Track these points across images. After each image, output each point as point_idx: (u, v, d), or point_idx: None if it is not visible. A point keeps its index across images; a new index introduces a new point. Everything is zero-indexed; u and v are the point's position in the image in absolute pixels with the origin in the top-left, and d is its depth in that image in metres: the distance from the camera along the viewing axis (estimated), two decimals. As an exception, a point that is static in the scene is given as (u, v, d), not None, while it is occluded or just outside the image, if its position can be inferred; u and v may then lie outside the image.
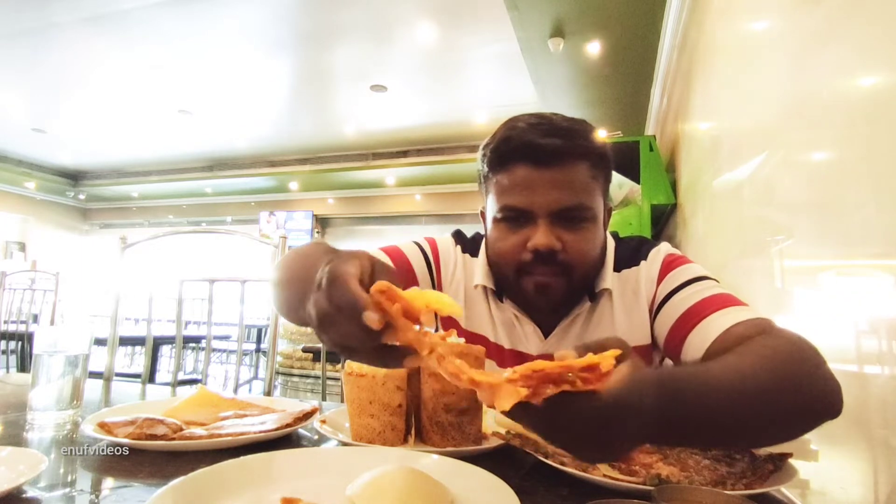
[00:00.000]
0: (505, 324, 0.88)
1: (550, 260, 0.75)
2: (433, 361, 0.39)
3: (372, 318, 0.39)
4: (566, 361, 0.38)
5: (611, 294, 0.84)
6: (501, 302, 0.87)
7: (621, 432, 0.40)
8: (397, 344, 0.41)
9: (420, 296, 0.40)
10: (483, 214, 0.88)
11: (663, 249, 0.86)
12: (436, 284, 0.91)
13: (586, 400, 0.38)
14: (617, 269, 0.86)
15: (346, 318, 0.40)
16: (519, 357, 0.87)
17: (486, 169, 0.82)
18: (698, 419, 0.45)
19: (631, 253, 0.87)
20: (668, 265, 0.82)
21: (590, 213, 0.77)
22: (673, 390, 0.44)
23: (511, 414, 0.38)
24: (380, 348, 0.41)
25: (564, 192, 0.75)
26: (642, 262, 0.85)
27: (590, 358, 0.38)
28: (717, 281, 0.78)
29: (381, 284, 0.39)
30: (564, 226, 0.76)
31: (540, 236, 0.74)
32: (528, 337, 0.86)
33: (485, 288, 0.88)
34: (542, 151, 0.75)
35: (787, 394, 0.51)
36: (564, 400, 0.38)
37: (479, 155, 0.84)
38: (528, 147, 0.75)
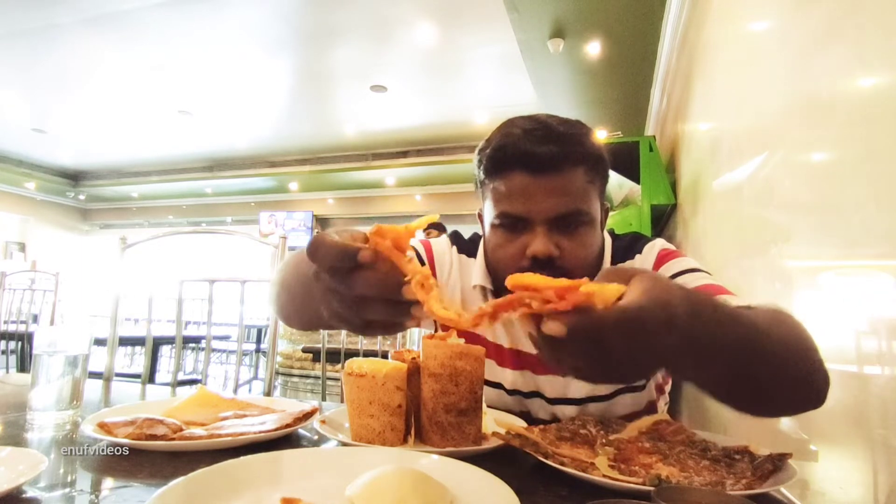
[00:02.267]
0: (504, 323, 0.88)
1: (549, 266, 0.75)
2: (418, 290, 0.41)
3: (364, 255, 0.40)
4: (540, 284, 0.38)
5: None
6: None
7: (649, 347, 0.37)
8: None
9: (404, 227, 0.43)
10: (480, 217, 0.88)
11: (658, 244, 0.87)
12: None
13: (609, 314, 0.34)
14: (612, 264, 0.86)
15: (342, 273, 0.41)
16: (518, 356, 0.87)
17: (482, 175, 0.82)
18: (723, 343, 0.43)
19: (626, 248, 0.88)
20: (663, 258, 0.84)
21: (587, 217, 0.78)
22: (703, 306, 0.43)
23: (536, 338, 0.39)
24: (389, 302, 0.42)
25: (562, 199, 0.75)
26: (637, 257, 0.86)
27: (574, 282, 0.36)
28: (710, 274, 0.79)
29: (374, 227, 0.42)
30: (562, 231, 0.76)
31: (538, 244, 0.74)
32: (526, 336, 0.86)
33: (483, 288, 0.88)
34: (539, 159, 0.74)
35: (797, 355, 0.51)
36: (584, 317, 0.34)
37: (474, 159, 0.84)
38: (524, 155, 0.75)
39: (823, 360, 0.54)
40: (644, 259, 0.85)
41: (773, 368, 0.49)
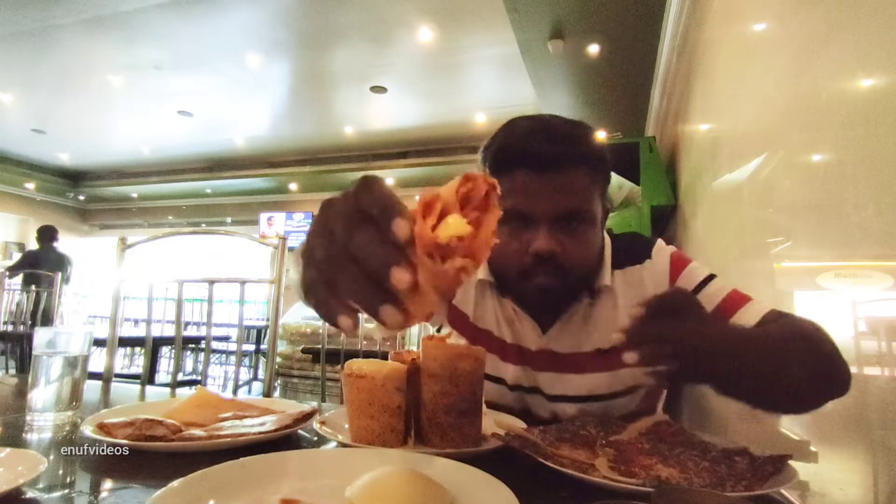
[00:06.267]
0: (506, 318, 0.89)
1: (550, 263, 0.76)
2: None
3: (401, 226, 0.31)
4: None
5: (611, 291, 0.85)
6: (503, 297, 0.88)
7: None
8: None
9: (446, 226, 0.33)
10: None
11: (666, 249, 0.88)
12: None
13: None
14: (619, 266, 0.87)
15: (371, 224, 0.32)
16: (520, 351, 0.88)
17: (486, 172, 0.82)
18: (745, 363, 0.58)
19: (629, 249, 0.89)
20: (677, 266, 0.85)
21: (589, 216, 0.79)
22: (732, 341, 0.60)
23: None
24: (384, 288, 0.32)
25: (564, 197, 0.76)
26: (646, 261, 0.87)
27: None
28: (716, 275, 0.82)
29: (427, 196, 0.34)
30: (564, 229, 0.77)
31: (541, 241, 0.75)
32: (526, 332, 0.87)
33: (487, 282, 0.89)
34: (543, 158, 0.76)
35: (813, 358, 0.62)
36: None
37: (479, 157, 0.85)
38: (528, 154, 0.76)
39: (841, 356, 0.63)
40: (654, 265, 0.86)
41: (793, 373, 0.59)
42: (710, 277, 0.82)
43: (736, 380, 0.58)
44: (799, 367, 0.59)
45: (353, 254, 0.32)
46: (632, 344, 0.55)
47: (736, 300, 0.79)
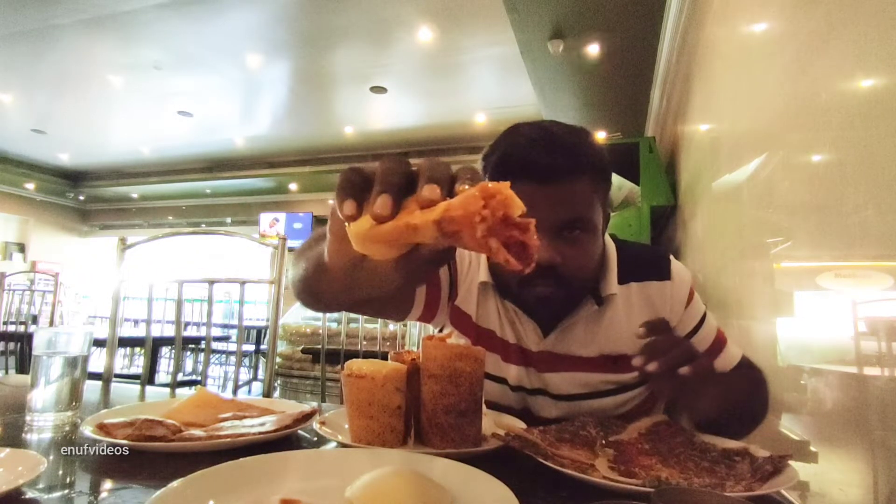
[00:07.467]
0: (509, 320, 0.89)
1: (551, 273, 0.76)
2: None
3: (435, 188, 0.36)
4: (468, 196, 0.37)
5: (619, 299, 0.86)
6: (505, 298, 0.88)
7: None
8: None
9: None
10: None
11: (685, 274, 0.90)
12: (453, 280, 0.92)
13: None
14: (637, 278, 0.87)
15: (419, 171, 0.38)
16: (522, 352, 0.88)
17: (486, 181, 0.82)
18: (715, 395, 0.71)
19: (647, 264, 0.89)
20: (691, 294, 0.89)
21: (590, 225, 0.78)
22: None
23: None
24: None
25: (566, 207, 0.76)
26: (667, 282, 0.87)
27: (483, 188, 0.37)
28: (711, 316, 0.91)
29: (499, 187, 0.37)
30: (565, 239, 0.77)
31: (542, 252, 0.74)
32: (527, 333, 0.87)
33: (488, 284, 0.89)
34: (544, 169, 0.75)
35: (752, 399, 0.81)
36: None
37: (479, 165, 0.84)
38: (529, 164, 0.75)
39: (769, 392, 0.82)
40: (675, 288, 0.87)
41: (738, 409, 0.76)
42: (703, 318, 0.90)
43: (710, 411, 0.72)
44: (751, 413, 0.79)
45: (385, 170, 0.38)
46: (651, 353, 0.64)
47: (720, 342, 0.89)
